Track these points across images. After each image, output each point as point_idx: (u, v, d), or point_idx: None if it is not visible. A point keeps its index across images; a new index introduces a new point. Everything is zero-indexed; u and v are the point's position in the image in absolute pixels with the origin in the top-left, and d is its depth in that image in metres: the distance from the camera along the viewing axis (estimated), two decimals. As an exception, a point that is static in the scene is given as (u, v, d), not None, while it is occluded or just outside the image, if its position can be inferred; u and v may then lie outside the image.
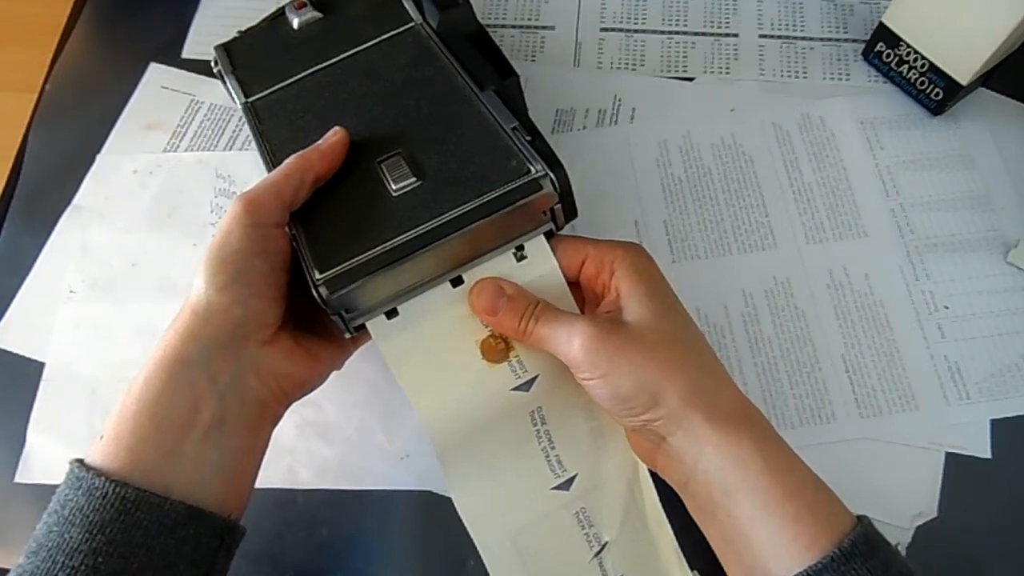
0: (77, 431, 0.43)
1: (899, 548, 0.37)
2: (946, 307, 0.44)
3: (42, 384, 0.44)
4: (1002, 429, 0.41)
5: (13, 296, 0.47)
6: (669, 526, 0.35)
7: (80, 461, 0.31)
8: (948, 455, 0.40)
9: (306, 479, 0.41)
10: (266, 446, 0.35)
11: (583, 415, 0.36)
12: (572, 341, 0.32)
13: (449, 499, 0.40)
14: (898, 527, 0.39)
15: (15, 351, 0.46)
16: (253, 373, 0.33)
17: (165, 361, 0.32)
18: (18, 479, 0.42)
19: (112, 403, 0.43)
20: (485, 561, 0.35)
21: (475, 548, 0.35)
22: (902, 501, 0.39)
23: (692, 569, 0.35)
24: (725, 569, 0.32)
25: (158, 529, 0.29)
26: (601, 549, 0.35)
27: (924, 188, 0.47)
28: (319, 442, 0.42)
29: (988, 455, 0.40)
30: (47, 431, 0.43)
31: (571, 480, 0.36)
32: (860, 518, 0.30)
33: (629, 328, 0.32)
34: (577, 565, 0.35)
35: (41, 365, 0.45)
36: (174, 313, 0.32)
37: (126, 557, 0.29)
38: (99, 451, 0.31)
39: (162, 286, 0.47)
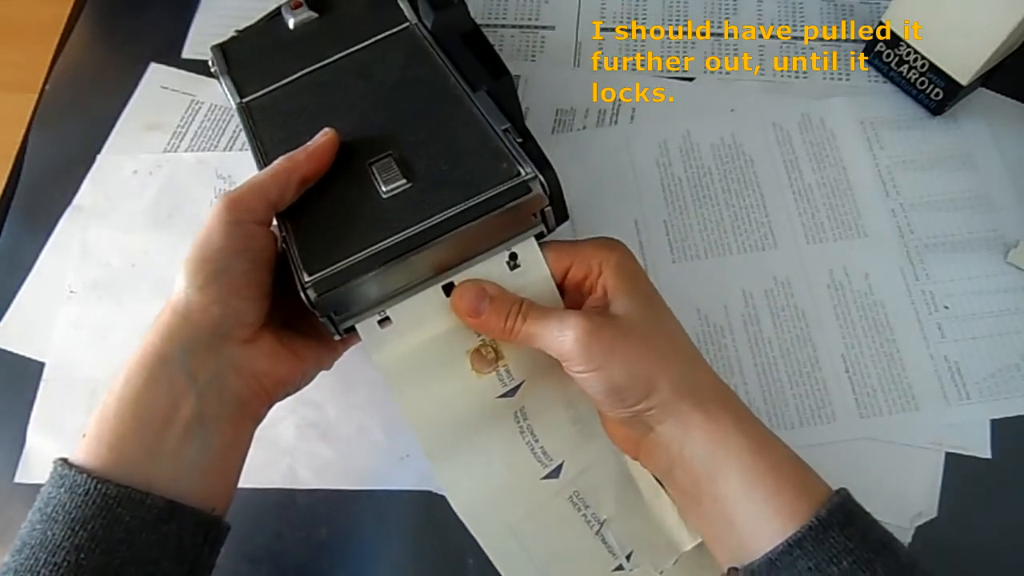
0: (77, 431, 0.42)
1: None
2: (946, 307, 0.44)
3: (42, 384, 0.44)
4: (1002, 429, 0.41)
5: (13, 296, 0.47)
6: (667, 496, 0.36)
7: (64, 460, 0.31)
8: (948, 455, 0.40)
9: (306, 479, 0.41)
10: (248, 443, 0.35)
11: (562, 405, 0.37)
12: (564, 335, 0.32)
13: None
14: (898, 527, 0.39)
15: (15, 351, 0.46)
16: (233, 372, 0.33)
17: (145, 359, 0.32)
18: (18, 479, 0.42)
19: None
20: (489, 555, 0.35)
21: (475, 547, 0.35)
22: (902, 501, 0.39)
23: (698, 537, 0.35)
24: (711, 552, 0.33)
25: (140, 525, 0.29)
26: (601, 526, 0.36)
27: (924, 188, 0.47)
28: (319, 442, 0.42)
29: (988, 455, 0.40)
30: (47, 431, 0.43)
31: (559, 468, 0.36)
32: (839, 490, 0.30)
33: (620, 322, 0.33)
34: (581, 546, 0.36)
35: (41, 365, 0.45)
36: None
37: (108, 553, 0.29)
38: (82, 449, 0.31)
39: (162, 286, 0.47)
